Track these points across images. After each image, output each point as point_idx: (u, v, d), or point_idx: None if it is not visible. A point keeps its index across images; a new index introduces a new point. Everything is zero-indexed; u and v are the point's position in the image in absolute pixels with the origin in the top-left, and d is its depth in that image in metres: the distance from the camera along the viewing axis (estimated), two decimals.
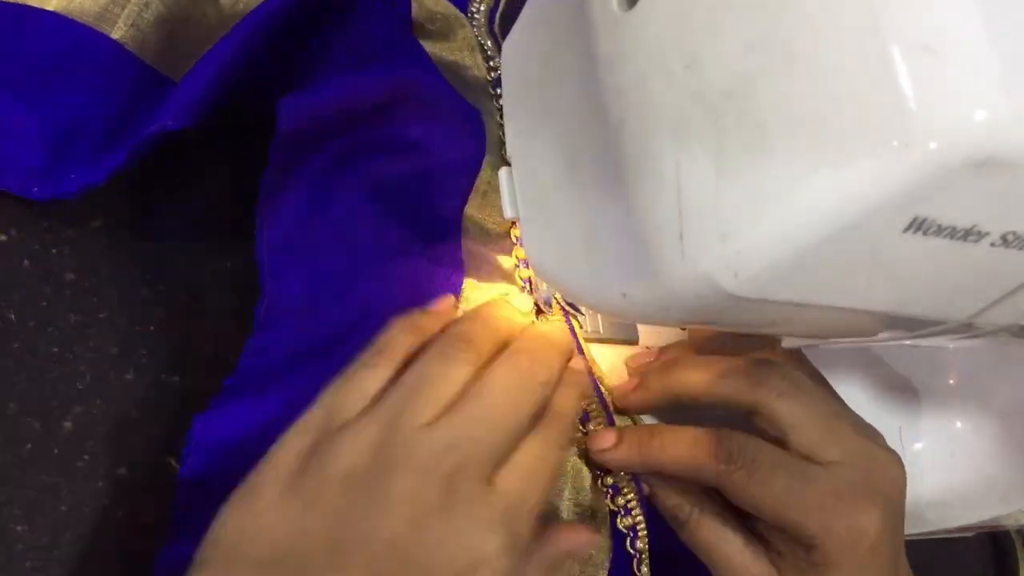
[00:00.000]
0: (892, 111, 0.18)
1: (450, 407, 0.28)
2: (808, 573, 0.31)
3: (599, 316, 0.37)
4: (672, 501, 0.33)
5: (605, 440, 0.34)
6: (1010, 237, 0.21)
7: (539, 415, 0.29)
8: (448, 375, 0.28)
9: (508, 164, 0.31)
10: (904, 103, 0.18)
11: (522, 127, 0.30)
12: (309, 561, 0.25)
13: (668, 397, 0.35)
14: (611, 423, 0.35)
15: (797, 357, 0.36)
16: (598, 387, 0.36)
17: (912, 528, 0.44)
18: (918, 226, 0.20)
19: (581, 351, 0.36)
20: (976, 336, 0.28)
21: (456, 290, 0.34)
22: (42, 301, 0.34)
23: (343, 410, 0.28)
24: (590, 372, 0.35)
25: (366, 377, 0.29)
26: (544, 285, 0.36)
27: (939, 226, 0.20)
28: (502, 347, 0.31)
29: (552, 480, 0.29)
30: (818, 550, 0.31)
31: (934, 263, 0.22)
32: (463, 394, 0.28)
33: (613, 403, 0.36)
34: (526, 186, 0.30)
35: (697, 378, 0.34)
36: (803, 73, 0.19)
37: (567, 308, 0.35)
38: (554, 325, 0.34)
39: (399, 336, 0.30)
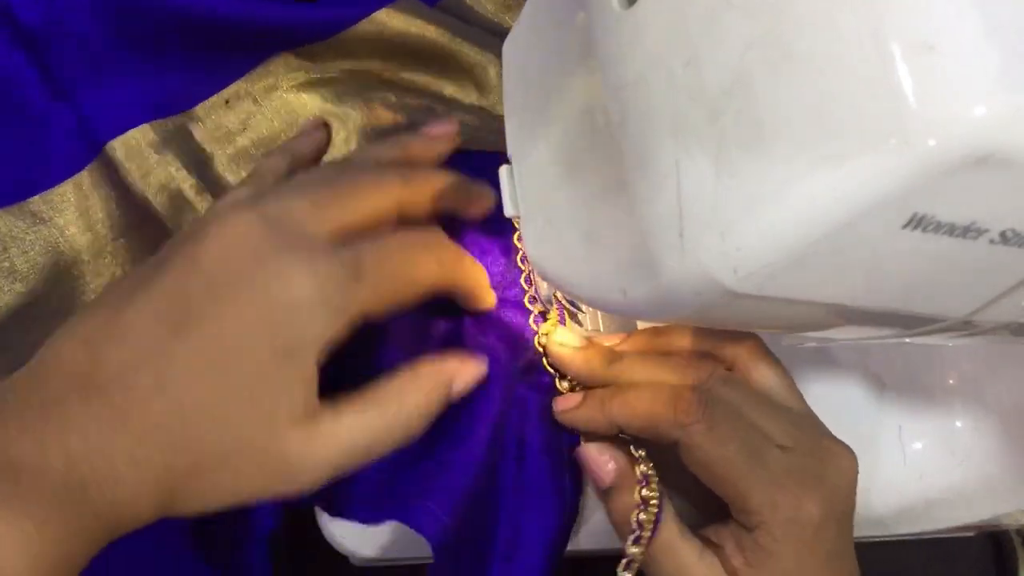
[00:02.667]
0: (891, 108, 0.18)
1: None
2: (752, 560, 0.31)
3: (599, 314, 0.37)
4: (623, 507, 0.33)
5: (569, 401, 0.34)
6: (1009, 234, 0.21)
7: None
8: (370, 194, 0.30)
9: (508, 162, 0.31)
10: (903, 100, 0.18)
11: (522, 125, 0.30)
12: (135, 275, 0.27)
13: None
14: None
15: (759, 351, 0.35)
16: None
17: (911, 527, 0.44)
18: (917, 223, 0.20)
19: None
20: (975, 334, 0.28)
21: None
22: None
23: (261, 181, 0.31)
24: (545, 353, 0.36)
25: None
26: (544, 283, 0.36)
27: (938, 223, 0.20)
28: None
29: (404, 279, 0.29)
30: (763, 529, 0.30)
31: (933, 260, 0.22)
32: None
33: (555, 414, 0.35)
34: (526, 184, 0.30)
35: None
36: (802, 71, 0.19)
37: (567, 306, 0.35)
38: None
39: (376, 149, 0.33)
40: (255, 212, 0.27)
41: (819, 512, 0.30)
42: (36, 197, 0.38)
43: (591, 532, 0.35)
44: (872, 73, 0.18)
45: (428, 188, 0.31)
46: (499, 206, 0.31)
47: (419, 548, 0.34)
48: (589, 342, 0.35)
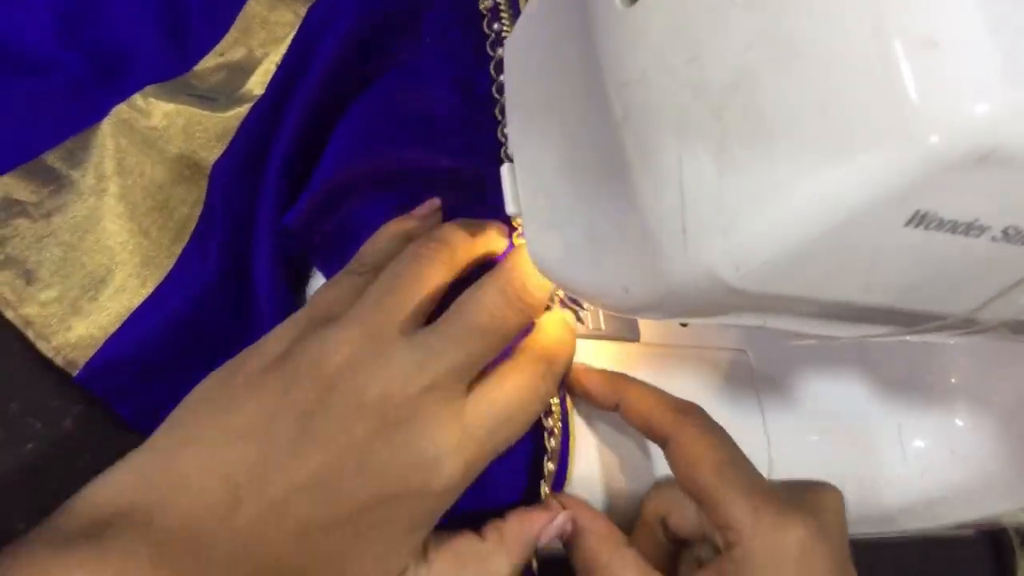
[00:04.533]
0: (893, 105, 0.18)
1: (426, 313, 0.29)
2: None
3: (600, 313, 0.37)
4: (591, 546, 0.32)
5: (592, 372, 0.35)
6: (1011, 231, 0.21)
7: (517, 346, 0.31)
8: (421, 275, 0.29)
9: (510, 160, 0.31)
10: (905, 97, 0.18)
11: (523, 123, 0.30)
12: (272, 444, 0.26)
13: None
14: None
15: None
16: None
17: (911, 525, 0.44)
18: (919, 220, 0.20)
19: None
20: (976, 332, 0.28)
21: None
22: None
23: (328, 310, 0.29)
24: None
25: (350, 281, 0.30)
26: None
27: (940, 220, 0.20)
28: (480, 260, 0.32)
29: (525, 416, 0.29)
30: (741, 547, 0.29)
31: (935, 257, 0.22)
32: (448, 308, 0.29)
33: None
34: (527, 182, 0.30)
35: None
36: (805, 67, 0.19)
37: (568, 303, 0.35)
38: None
39: (382, 242, 0.31)
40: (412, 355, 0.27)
41: (804, 537, 0.28)
42: None
43: None
44: (874, 70, 0.18)
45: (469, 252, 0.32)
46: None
47: None
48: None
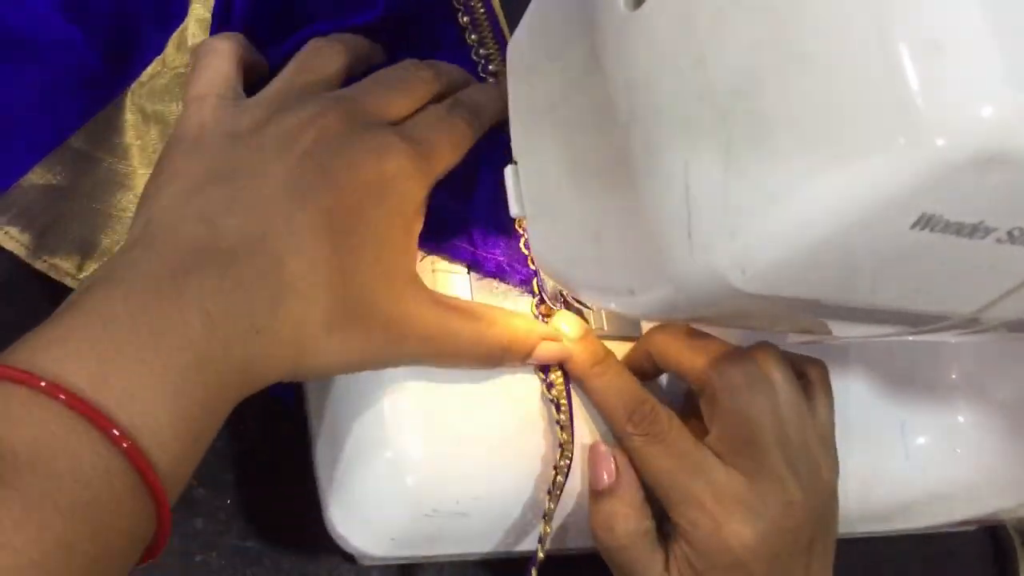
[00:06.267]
0: (899, 108, 0.18)
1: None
2: (683, 571, 0.32)
3: (603, 313, 0.37)
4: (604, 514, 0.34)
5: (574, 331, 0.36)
6: (1016, 233, 0.21)
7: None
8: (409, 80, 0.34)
9: (514, 162, 0.31)
10: (911, 100, 0.18)
11: (527, 125, 0.30)
12: (236, 158, 0.29)
13: (642, 352, 0.36)
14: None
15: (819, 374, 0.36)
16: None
17: (913, 522, 0.45)
18: (925, 223, 0.20)
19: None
20: (979, 331, 0.28)
21: None
22: (42, 301, 0.34)
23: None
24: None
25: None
26: (551, 282, 0.35)
27: (946, 222, 0.20)
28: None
29: (454, 144, 0.33)
30: (686, 541, 0.32)
31: (941, 259, 0.22)
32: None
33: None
34: (532, 184, 0.30)
35: (668, 340, 0.35)
36: (810, 71, 0.19)
37: (572, 304, 0.35)
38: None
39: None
40: (341, 105, 0.31)
41: (738, 545, 0.31)
42: None
43: (579, 531, 0.35)
44: (880, 73, 0.19)
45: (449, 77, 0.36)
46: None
47: (429, 546, 0.34)
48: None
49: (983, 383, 0.44)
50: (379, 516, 0.33)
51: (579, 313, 0.35)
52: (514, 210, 0.31)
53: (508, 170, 0.31)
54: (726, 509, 0.31)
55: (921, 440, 0.43)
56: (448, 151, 0.33)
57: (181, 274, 0.25)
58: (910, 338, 0.29)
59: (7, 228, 0.34)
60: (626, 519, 0.33)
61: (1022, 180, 0.19)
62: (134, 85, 0.37)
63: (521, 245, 0.35)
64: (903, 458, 0.43)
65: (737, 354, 0.33)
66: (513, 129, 0.31)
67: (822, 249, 0.21)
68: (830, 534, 0.35)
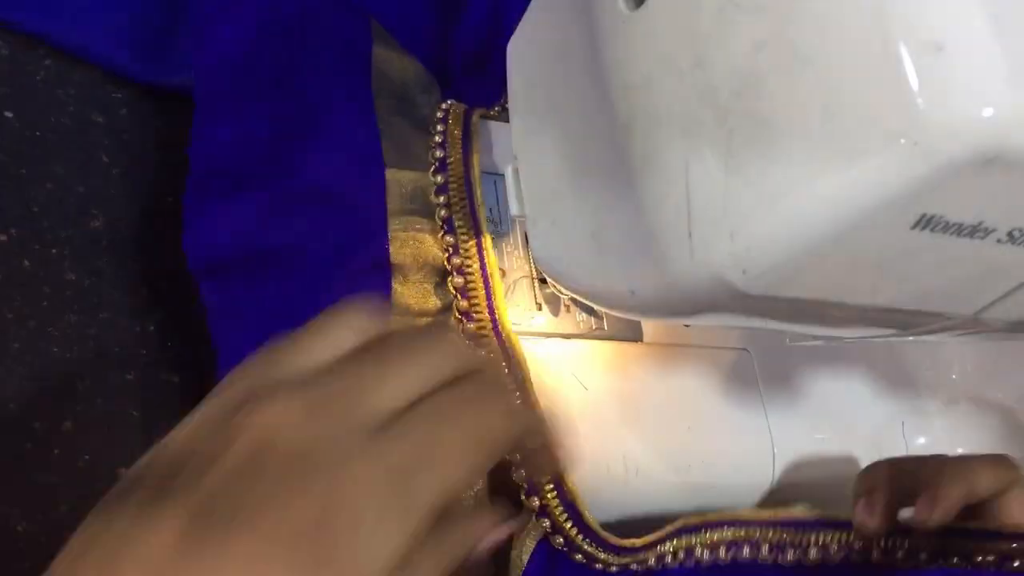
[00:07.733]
0: (899, 109, 0.18)
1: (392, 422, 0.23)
2: None
3: (604, 313, 0.37)
4: None
5: None
6: (1016, 233, 0.21)
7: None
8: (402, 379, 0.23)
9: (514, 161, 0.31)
10: (911, 101, 0.18)
11: (527, 125, 0.30)
12: (216, 502, 0.20)
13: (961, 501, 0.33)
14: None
15: None
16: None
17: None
18: (926, 223, 0.20)
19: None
20: (980, 331, 0.28)
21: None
22: (42, 301, 0.34)
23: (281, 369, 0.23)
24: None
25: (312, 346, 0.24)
26: (550, 282, 0.35)
27: (946, 223, 0.20)
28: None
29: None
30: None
31: (941, 259, 0.22)
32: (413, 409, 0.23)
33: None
34: (532, 184, 0.30)
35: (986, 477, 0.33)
36: (811, 72, 0.19)
37: (572, 304, 0.35)
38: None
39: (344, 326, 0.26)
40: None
41: None
42: None
43: None
44: (881, 74, 0.18)
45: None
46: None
47: None
48: None
49: (983, 382, 0.44)
50: None
51: (589, 312, 0.35)
52: (514, 209, 0.31)
53: (508, 170, 0.31)
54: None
55: (921, 440, 0.43)
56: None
57: None
58: (910, 338, 0.29)
59: None
60: None
61: (1022, 180, 0.19)
62: None
63: (521, 244, 0.35)
64: None
65: None
66: (513, 128, 0.31)
67: (823, 250, 0.21)
68: None
